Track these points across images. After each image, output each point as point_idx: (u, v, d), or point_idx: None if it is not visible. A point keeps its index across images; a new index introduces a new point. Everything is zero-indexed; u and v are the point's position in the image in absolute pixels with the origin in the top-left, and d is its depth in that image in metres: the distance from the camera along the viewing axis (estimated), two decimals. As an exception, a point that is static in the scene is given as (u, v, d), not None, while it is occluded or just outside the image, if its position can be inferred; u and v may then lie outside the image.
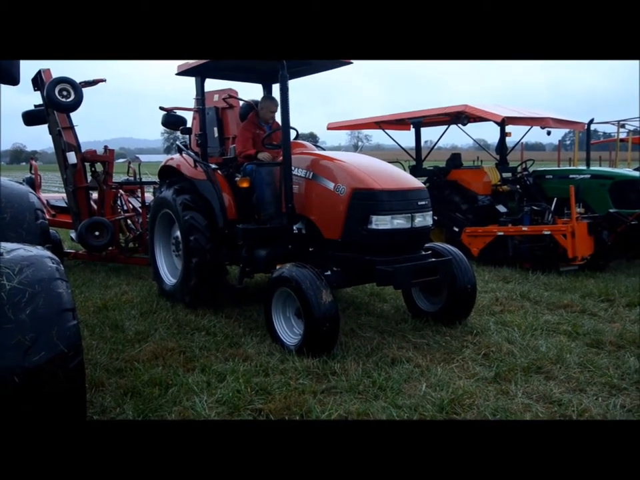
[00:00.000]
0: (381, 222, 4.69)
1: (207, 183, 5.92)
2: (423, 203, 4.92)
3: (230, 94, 6.69)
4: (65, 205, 9.21)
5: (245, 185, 5.61)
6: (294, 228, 5.31)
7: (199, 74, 6.04)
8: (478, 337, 4.98)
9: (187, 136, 6.76)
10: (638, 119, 14.47)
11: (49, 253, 2.59)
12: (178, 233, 6.14)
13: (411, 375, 4.15)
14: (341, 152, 6.07)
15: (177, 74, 6.10)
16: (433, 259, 5.02)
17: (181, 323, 5.48)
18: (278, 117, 6.63)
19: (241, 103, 6.67)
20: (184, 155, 6.37)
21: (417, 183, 5.16)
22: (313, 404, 3.65)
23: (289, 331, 4.77)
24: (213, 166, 6.02)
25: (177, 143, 6.74)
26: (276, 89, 6.67)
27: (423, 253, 5.09)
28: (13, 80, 2.58)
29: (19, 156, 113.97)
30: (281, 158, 5.26)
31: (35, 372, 2.23)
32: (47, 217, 8.74)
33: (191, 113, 7.01)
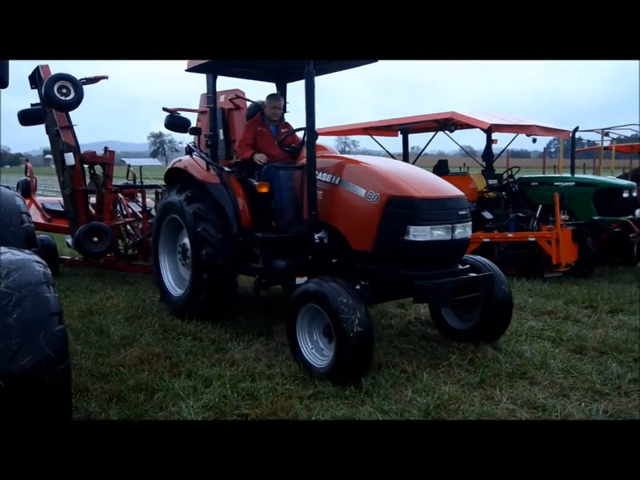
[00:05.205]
0: (420, 233, 4.29)
1: (219, 186, 5.50)
2: (464, 212, 4.55)
3: (237, 94, 6.34)
4: (61, 208, 8.79)
5: (265, 189, 5.21)
6: (315, 237, 4.89)
7: (211, 71, 5.63)
8: (463, 342, 5.01)
9: (195, 137, 6.38)
10: (622, 127, 14.70)
11: (36, 257, 2.58)
12: (185, 240, 5.78)
13: (397, 381, 4.17)
14: (365, 156, 5.69)
15: (187, 70, 5.62)
16: (474, 274, 4.66)
17: (167, 327, 5.46)
18: (288, 118, 6.31)
19: (248, 103, 6.37)
20: (194, 156, 5.91)
21: (456, 190, 4.72)
22: (299, 409, 3.65)
23: (316, 352, 4.37)
24: (227, 169, 5.65)
25: (188, 144, 6.20)
26: (290, 88, 6.44)
27: (461, 267, 4.67)
28: (2, 82, 2.56)
29: (2, 158, 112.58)
30: (302, 161, 4.98)
31: (21, 376, 2.22)
32: (43, 221, 8.61)
33: (195, 114, 6.75)
